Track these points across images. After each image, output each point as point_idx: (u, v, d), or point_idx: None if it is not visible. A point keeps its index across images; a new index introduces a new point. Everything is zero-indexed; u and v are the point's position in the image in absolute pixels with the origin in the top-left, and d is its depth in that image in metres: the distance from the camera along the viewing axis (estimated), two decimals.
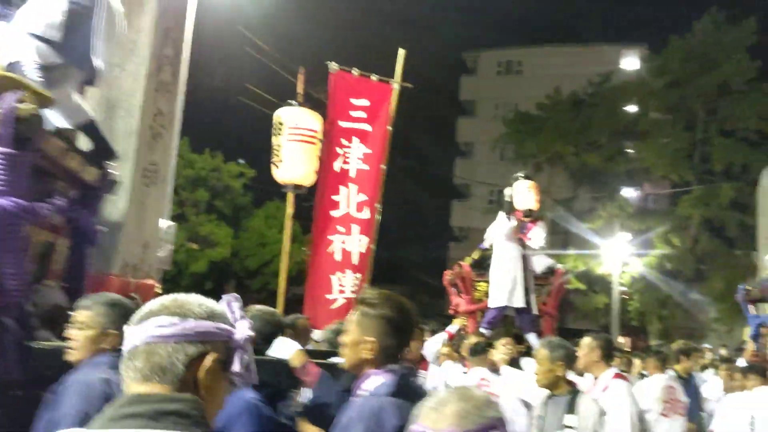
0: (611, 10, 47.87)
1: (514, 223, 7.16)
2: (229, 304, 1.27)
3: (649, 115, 27.13)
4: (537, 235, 7.42)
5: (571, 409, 3.64)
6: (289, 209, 6.78)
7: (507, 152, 32.66)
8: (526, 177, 7.44)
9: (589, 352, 4.22)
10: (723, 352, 13.05)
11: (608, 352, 4.30)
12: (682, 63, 25.70)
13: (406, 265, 32.38)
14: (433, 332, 7.71)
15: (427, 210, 38.54)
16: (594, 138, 27.64)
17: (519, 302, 7.10)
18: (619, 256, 23.89)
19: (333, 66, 6.93)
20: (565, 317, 26.71)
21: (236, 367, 1.22)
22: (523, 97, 32.68)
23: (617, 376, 4.22)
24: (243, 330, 1.25)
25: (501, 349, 5.52)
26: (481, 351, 5.27)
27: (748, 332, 7.85)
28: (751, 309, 7.50)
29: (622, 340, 23.11)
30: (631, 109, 27.62)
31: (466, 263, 8.05)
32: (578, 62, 31.56)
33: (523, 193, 7.23)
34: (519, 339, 6.76)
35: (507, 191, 7.40)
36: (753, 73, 25.04)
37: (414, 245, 33.86)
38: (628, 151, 27.95)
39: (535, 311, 7.36)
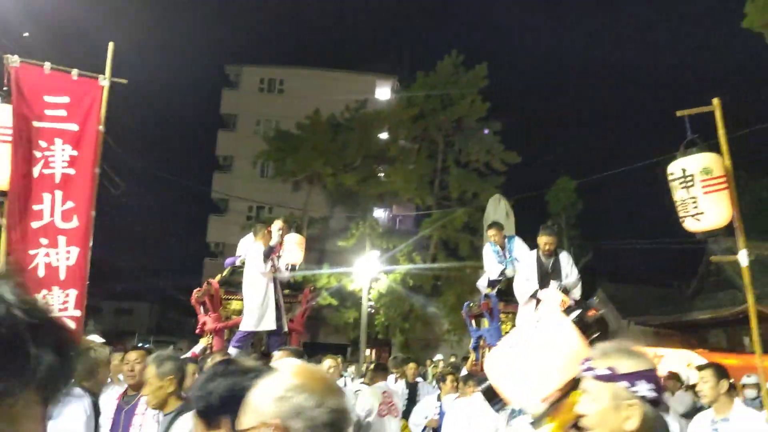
0: (370, 41, 51.10)
1: (268, 267, 7.28)
2: None
3: (398, 142, 29.39)
4: (286, 272, 7.69)
5: (169, 429, 3.24)
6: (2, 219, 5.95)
7: (267, 168, 32.86)
8: (298, 231, 7.76)
9: None
10: (453, 360, 14.52)
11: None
12: (426, 98, 28.44)
13: (157, 282, 30.63)
14: (181, 351, 7.42)
15: (182, 224, 36.98)
16: (350, 160, 29.05)
17: (270, 326, 7.21)
18: (369, 273, 25.32)
19: (14, 59, 6.11)
20: (318, 332, 27.51)
21: None
22: (284, 116, 33.14)
23: None
24: None
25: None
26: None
27: (471, 344, 8.77)
28: (473, 323, 8.39)
29: (368, 353, 24.49)
30: (383, 135, 29.69)
31: (215, 280, 7.90)
32: (337, 87, 32.96)
33: (292, 247, 7.54)
34: (266, 357, 6.81)
35: (275, 229, 7.52)
36: (483, 113, 28.60)
37: (166, 261, 32.20)
38: (380, 174, 29.93)
39: (285, 329, 7.49)
